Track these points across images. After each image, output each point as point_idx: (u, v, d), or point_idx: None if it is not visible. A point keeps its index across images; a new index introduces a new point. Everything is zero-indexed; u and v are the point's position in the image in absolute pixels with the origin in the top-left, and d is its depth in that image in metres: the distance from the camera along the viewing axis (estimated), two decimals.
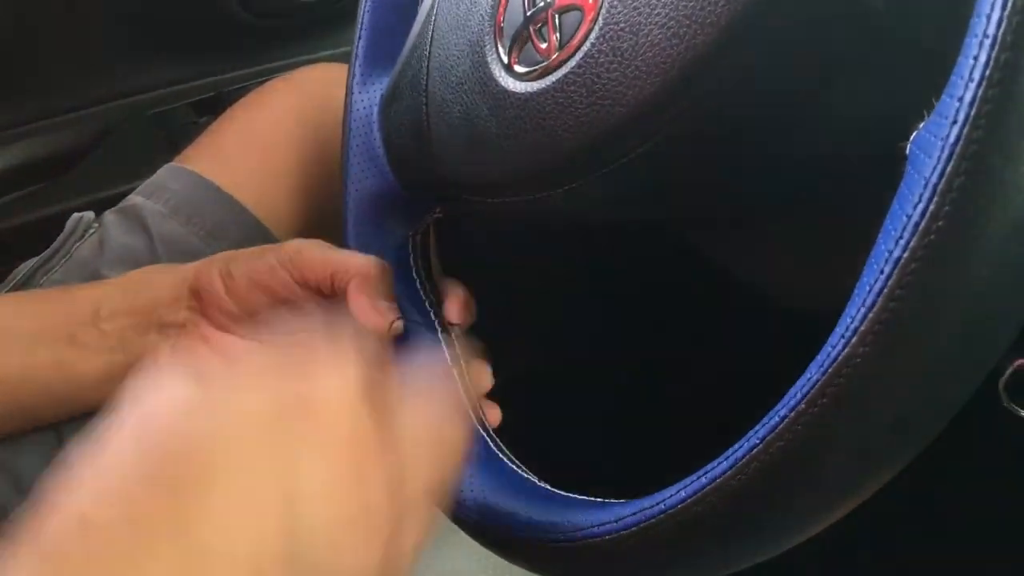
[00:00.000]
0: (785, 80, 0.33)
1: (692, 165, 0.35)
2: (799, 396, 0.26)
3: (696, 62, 0.32)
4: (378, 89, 0.49)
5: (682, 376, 0.71)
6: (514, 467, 0.40)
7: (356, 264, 0.45)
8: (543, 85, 0.37)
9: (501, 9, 0.40)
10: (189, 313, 0.48)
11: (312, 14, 0.82)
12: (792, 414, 0.26)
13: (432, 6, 0.45)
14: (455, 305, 0.46)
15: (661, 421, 0.72)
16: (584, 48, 0.36)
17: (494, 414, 0.44)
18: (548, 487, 0.38)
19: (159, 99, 0.83)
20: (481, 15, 0.41)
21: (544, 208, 0.39)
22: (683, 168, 0.35)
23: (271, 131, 0.61)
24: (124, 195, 0.61)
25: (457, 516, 0.40)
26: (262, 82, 0.67)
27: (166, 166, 0.61)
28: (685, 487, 0.30)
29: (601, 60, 0.35)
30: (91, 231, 0.58)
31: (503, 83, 0.39)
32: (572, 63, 0.36)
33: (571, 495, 0.37)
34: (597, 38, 0.35)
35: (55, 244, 0.57)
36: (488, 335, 0.47)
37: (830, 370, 0.25)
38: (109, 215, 0.59)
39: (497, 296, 0.49)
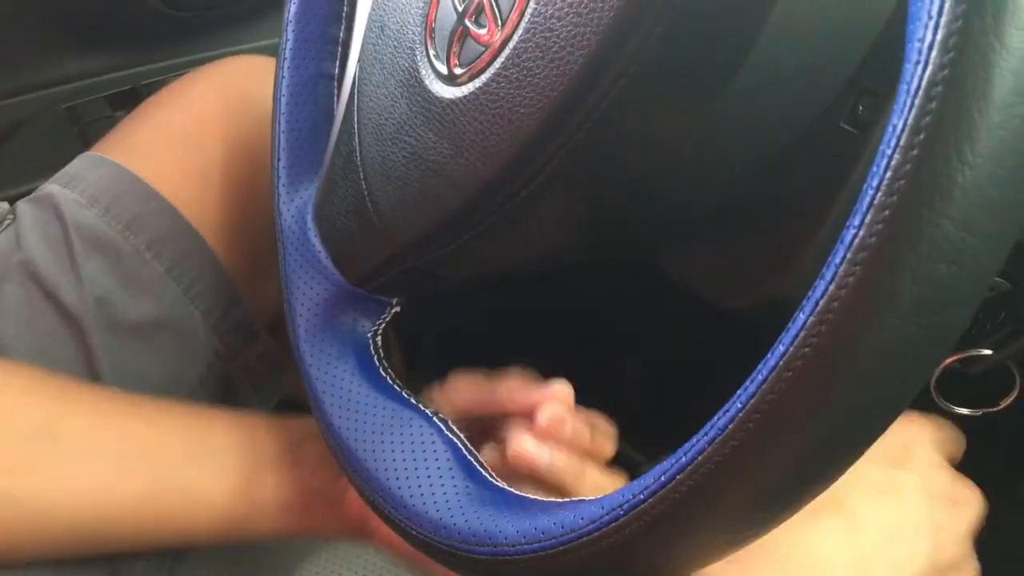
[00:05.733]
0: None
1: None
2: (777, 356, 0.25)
3: None
4: (306, 197, 0.48)
5: (614, 378, 0.71)
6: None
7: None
8: (493, 71, 0.36)
9: (431, 21, 0.40)
10: None
11: (233, 6, 0.80)
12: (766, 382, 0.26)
13: (353, 84, 0.45)
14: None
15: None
16: (530, 7, 0.35)
17: None
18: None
19: (72, 92, 0.79)
20: (411, 40, 0.41)
21: (503, 235, 0.38)
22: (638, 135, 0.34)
23: (192, 123, 0.59)
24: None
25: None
26: (181, 75, 0.65)
27: (83, 154, 0.58)
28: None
29: (551, 12, 0.34)
30: (6, 222, 0.55)
31: (448, 96, 0.38)
32: (520, 29, 0.35)
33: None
34: None
35: None
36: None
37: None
38: (23, 205, 0.56)
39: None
